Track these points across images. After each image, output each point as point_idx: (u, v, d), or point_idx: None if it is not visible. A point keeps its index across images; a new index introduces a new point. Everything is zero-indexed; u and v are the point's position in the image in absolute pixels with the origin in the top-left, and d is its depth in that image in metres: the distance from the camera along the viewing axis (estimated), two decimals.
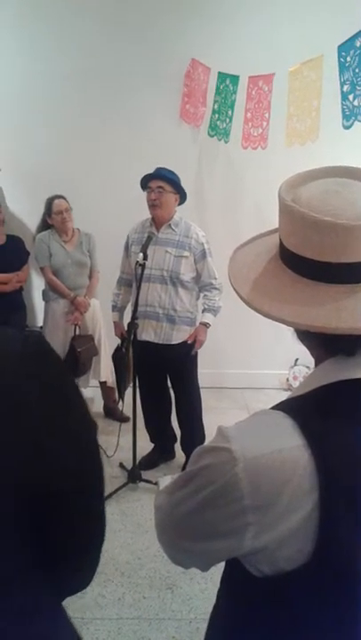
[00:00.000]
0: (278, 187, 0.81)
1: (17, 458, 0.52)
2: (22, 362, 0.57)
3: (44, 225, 3.99)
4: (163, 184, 3.07)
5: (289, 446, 0.68)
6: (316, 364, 0.83)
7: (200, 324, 3.27)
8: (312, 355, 0.85)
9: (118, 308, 3.50)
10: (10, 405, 0.53)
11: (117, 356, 3.26)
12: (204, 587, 2.53)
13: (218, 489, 0.70)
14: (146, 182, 3.14)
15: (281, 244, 0.82)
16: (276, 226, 0.86)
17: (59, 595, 0.67)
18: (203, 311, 3.27)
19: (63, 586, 0.65)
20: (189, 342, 3.24)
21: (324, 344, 0.79)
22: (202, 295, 3.28)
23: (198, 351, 3.31)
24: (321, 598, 0.71)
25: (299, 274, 0.78)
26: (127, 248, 3.36)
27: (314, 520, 0.67)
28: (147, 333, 3.19)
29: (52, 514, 0.54)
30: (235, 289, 0.84)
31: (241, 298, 0.81)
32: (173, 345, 3.20)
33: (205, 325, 3.26)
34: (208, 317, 3.25)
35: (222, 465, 0.69)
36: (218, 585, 0.92)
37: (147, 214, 3.22)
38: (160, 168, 3.15)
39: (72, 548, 0.60)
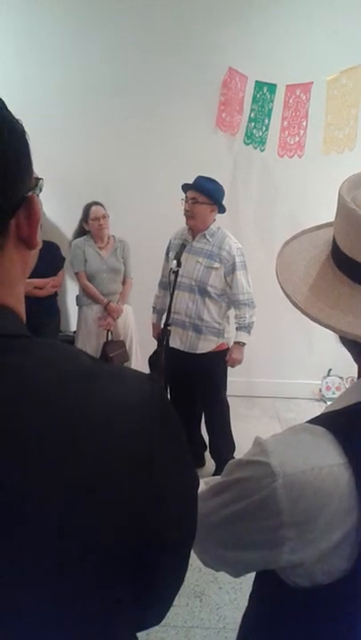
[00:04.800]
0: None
1: (142, 501, 0.52)
2: (151, 408, 0.58)
3: (81, 231, 4.07)
4: (196, 195, 3.03)
5: (330, 464, 0.66)
6: (360, 375, 0.80)
7: (234, 343, 3.22)
8: (356, 361, 0.82)
9: (157, 310, 3.53)
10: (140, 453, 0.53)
11: (153, 360, 3.24)
12: (233, 596, 2.51)
13: (255, 502, 0.69)
14: (185, 190, 3.13)
15: (336, 247, 0.79)
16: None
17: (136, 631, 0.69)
18: (236, 329, 3.22)
19: (140, 624, 0.68)
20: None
21: None
22: (234, 311, 3.23)
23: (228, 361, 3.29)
24: (355, 612, 0.70)
25: (352, 279, 0.75)
26: (167, 252, 3.38)
27: (353, 538, 0.66)
28: (174, 340, 3.19)
29: (156, 560, 0.56)
30: (286, 293, 0.79)
31: (292, 301, 0.78)
32: (198, 354, 3.19)
33: (239, 344, 3.20)
34: (242, 336, 3.18)
35: (261, 479, 0.68)
36: (247, 595, 0.91)
37: (181, 222, 3.22)
38: (200, 177, 3.10)
39: (164, 591, 0.61)
